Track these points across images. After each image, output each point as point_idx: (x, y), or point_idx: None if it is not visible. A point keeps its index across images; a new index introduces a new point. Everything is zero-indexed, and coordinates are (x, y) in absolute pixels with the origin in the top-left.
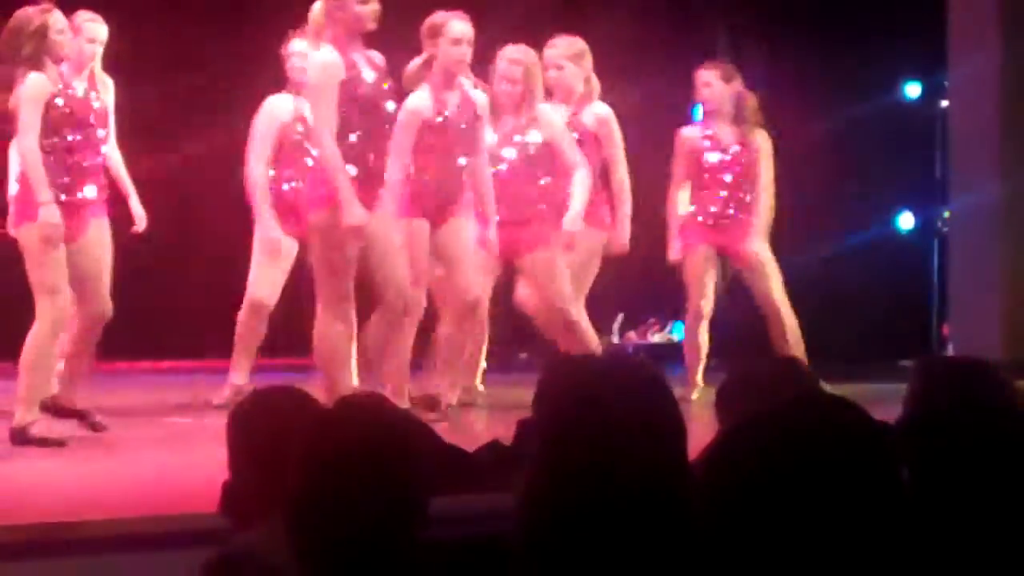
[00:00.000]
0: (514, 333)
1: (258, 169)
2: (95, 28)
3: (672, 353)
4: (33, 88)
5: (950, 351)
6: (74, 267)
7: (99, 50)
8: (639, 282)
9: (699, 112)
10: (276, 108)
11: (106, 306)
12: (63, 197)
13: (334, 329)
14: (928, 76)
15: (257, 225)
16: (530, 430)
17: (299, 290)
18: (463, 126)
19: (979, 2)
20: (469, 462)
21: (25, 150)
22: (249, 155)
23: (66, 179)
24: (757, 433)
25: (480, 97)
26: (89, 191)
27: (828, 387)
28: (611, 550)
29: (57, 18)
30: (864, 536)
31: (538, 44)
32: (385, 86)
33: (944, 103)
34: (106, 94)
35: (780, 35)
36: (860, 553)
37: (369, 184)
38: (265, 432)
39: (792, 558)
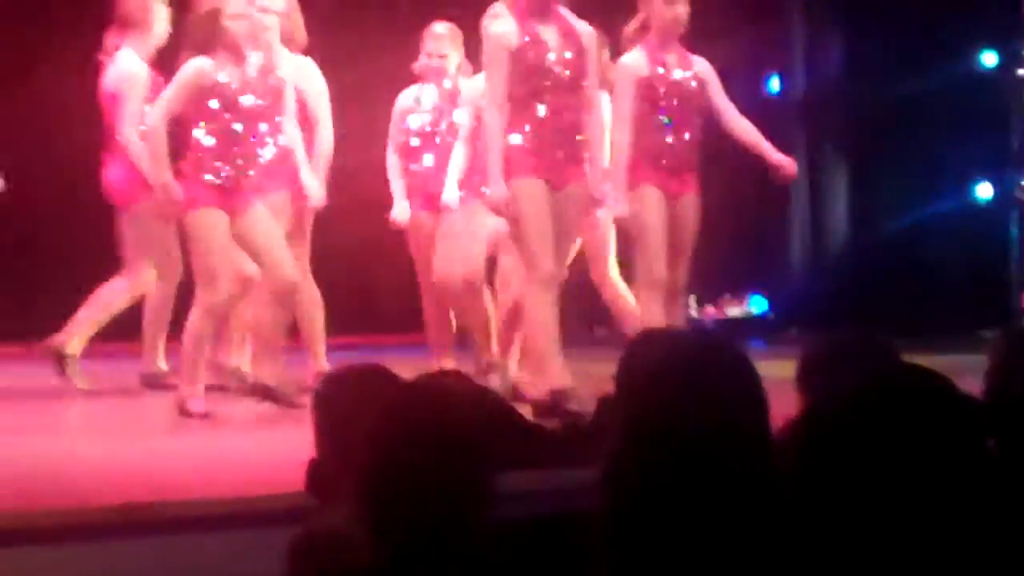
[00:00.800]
0: (590, 310)
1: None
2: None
3: (750, 326)
4: (186, 73)
5: None
6: (245, 245)
7: (273, 21)
8: (712, 256)
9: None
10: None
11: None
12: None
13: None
14: (1004, 44)
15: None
16: (611, 406)
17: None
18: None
19: None
20: (549, 438)
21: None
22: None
23: (237, 163)
24: (845, 408)
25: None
26: (254, 172)
27: (909, 359)
28: (696, 524)
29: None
30: (954, 509)
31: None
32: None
33: (1021, 71)
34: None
35: (856, 8)
36: (950, 526)
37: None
38: (347, 410)
39: (882, 532)
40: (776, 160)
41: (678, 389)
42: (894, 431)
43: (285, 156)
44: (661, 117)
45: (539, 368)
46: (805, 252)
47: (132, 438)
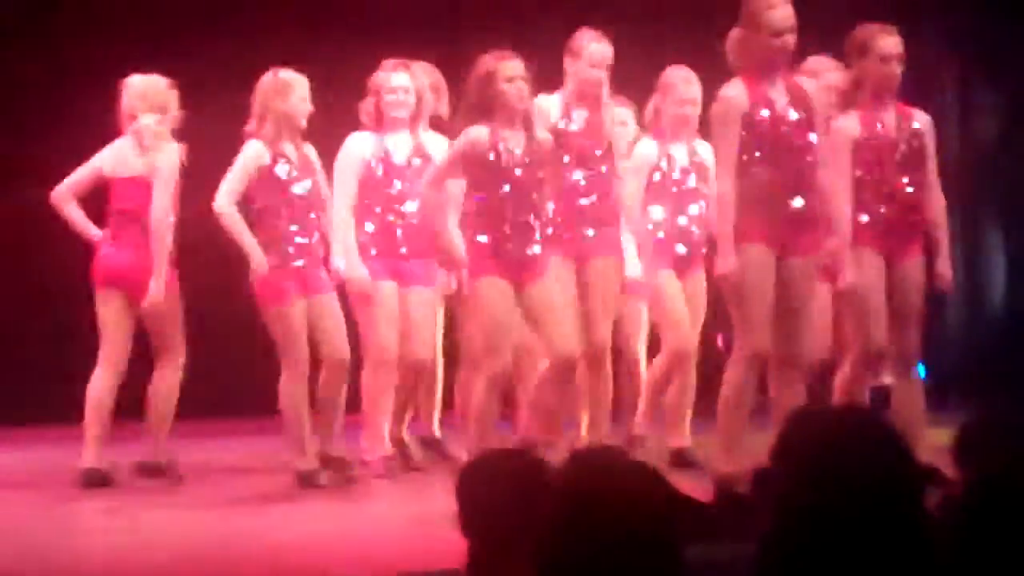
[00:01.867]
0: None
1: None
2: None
3: None
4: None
5: None
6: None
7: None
8: None
9: None
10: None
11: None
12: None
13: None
14: None
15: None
16: (767, 480)
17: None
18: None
19: None
20: (706, 511)
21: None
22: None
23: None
24: (1003, 491)
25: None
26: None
27: None
28: None
29: (509, 65)
30: None
31: None
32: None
33: None
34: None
35: (1011, 64)
36: None
37: None
38: (494, 496)
39: None
40: (941, 269)
41: (835, 468)
42: None
43: None
44: (878, 176)
45: (722, 445)
46: (962, 316)
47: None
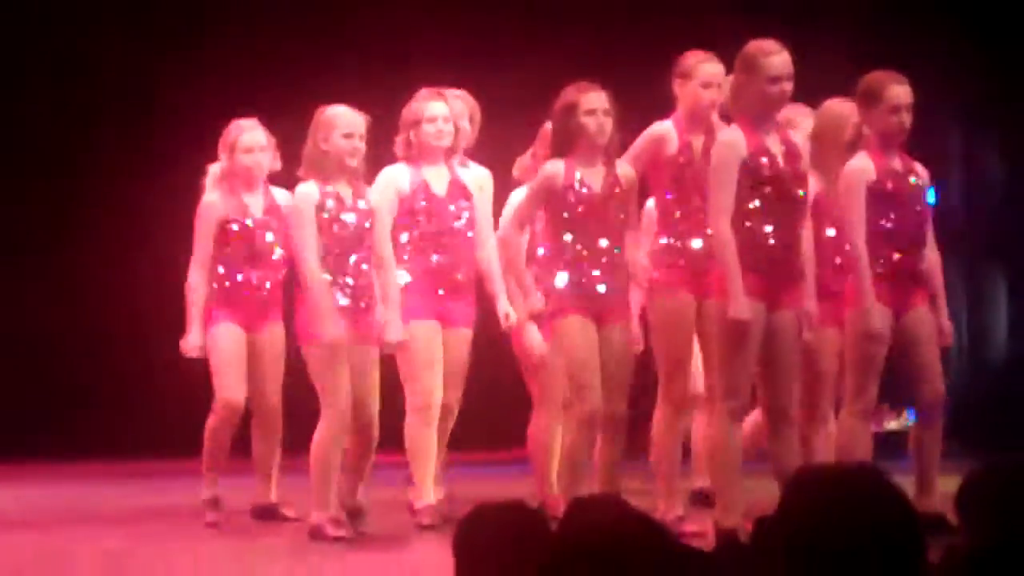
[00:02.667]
0: None
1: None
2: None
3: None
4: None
5: None
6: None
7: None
8: None
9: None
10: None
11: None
12: None
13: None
14: None
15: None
16: (769, 530)
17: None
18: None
19: None
20: (706, 561)
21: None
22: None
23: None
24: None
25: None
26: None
27: None
28: None
29: (591, 97)
30: None
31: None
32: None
33: None
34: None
35: (1012, 113)
36: None
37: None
38: (490, 547)
39: None
40: (942, 324)
41: (839, 524)
42: None
43: None
44: (887, 225)
45: (720, 500)
46: (963, 363)
47: None
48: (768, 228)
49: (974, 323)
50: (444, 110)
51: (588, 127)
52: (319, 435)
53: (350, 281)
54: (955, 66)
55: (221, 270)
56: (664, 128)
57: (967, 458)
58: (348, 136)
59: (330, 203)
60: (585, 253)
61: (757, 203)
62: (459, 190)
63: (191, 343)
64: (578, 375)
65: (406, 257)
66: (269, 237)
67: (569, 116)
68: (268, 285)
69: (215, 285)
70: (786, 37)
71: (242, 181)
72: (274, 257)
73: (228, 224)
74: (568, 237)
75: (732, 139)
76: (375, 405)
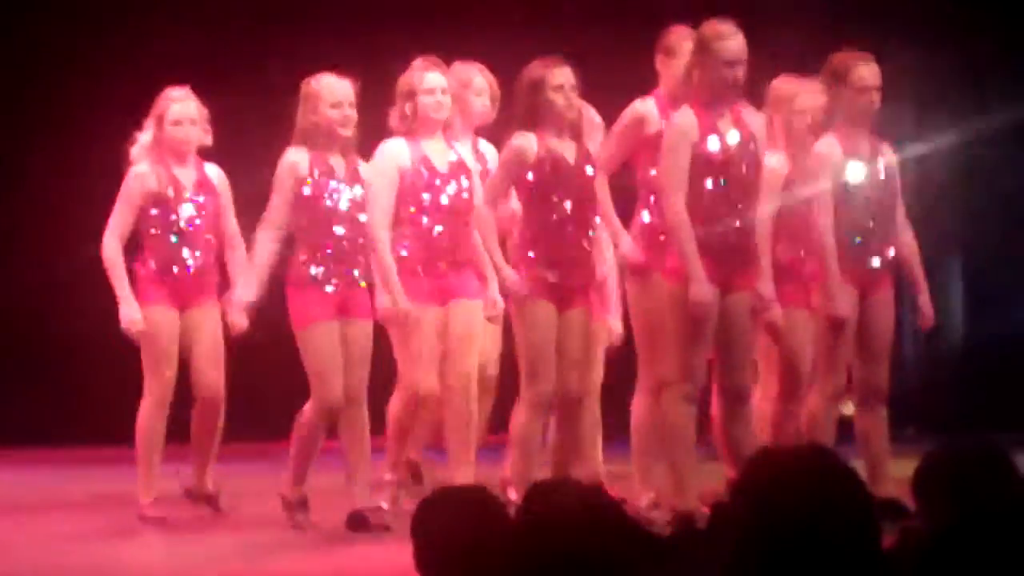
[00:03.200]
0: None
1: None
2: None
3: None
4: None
5: None
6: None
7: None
8: None
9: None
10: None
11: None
12: None
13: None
14: None
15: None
16: (726, 514)
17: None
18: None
19: None
20: (661, 543)
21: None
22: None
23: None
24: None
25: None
26: None
27: None
28: None
29: (557, 73)
30: None
31: None
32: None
33: None
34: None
35: (975, 93)
36: None
37: None
38: (448, 533)
39: None
40: (923, 306)
41: (794, 506)
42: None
43: None
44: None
45: (675, 484)
46: (919, 348)
47: None
48: (720, 211)
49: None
50: (442, 81)
51: (556, 102)
52: (305, 416)
53: (332, 253)
54: (908, 53)
55: (149, 248)
56: (646, 107)
57: (924, 443)
58: (336, 106)
59: (318, 174)
60: (557, 228)
61: (709, 186)
62: (459, 166)
63: (132, 317)
64: (532, 360)
65: (407, 233)
66: (197, 213)
67: (537, 92)
68: (200, 263)
69: (151, 263)
70: (744, 17)
71: (172, 154)
72: (207, 236)
73: (157, 197)
74: (540, 211)
75: (684, 122)
76: (364, 383)
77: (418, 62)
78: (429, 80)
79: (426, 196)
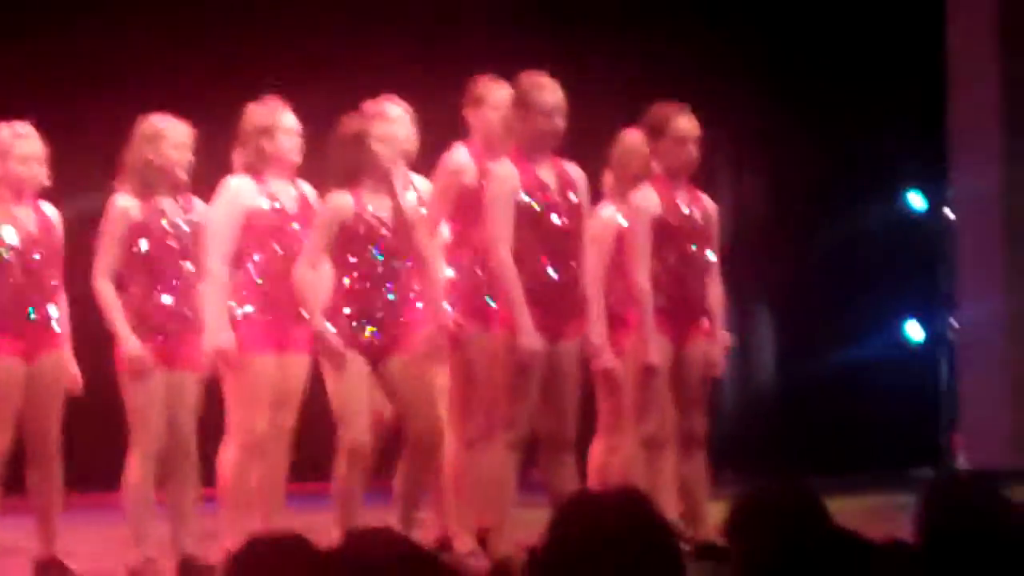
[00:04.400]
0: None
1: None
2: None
3: None
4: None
5: (960, 461)
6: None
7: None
8: None
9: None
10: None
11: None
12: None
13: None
14: (930, 186)
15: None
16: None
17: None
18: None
19: (979, 114)
20: None
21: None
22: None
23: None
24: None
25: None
26: None
27: (839, 500)
28: None
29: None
30: None
31: None
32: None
33: (947, 212)
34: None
35: (784, 145)
36: None
37: None
38: None
39: None
40: (714, 357)
41: (604, 549)
42: None
43: None
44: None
45: (494, 527)
46: (735, 394)
47: None
48: (544, 260)
49: (743, 355)
50: (295, 122)
51: (381, 154)
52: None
53: (168, 300)
54: (725, 102)
55: None
56: (460, 157)
57: (738, 485)
58: (179, 147)
59: (153, 217)
60: (376, 286)
61: (532, 236)
62: (308, 208)
63: None
64: (344, 409)
65: (256, 280)
66: (38, 256)
67: (360, 144)
68: (46, 309)
69: None
70: (560, 65)
71: (11, 192)
72: (53, 282)
73: None
74: (354, 270)
75: (505, 173)
76: (193, 434)
77: (269, 99)
78: (287, 120)
79: (274, 242)
